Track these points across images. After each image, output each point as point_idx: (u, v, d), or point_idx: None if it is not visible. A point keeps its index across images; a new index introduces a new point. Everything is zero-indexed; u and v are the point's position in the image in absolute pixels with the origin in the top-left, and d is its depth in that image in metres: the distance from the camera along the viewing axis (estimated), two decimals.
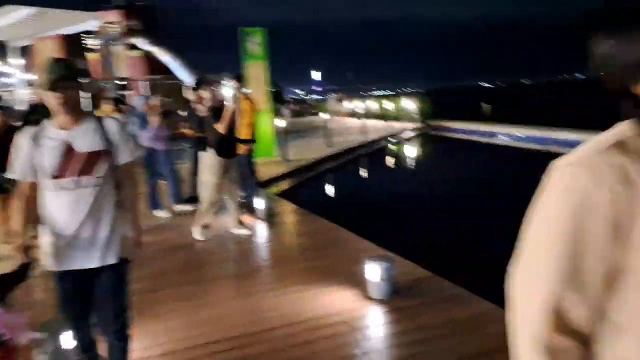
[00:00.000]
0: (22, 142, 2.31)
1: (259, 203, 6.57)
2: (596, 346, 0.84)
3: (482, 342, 3.11)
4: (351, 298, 3.82)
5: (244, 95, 6.73)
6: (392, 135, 18.47)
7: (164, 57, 22.23)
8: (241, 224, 5.91)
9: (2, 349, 1.95)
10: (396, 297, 3.75)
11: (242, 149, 6.28)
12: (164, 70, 22.99)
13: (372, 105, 26.49)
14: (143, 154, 7.09)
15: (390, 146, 17.28)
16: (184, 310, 3.81)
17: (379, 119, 24.32)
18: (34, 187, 2.32)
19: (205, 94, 7.15)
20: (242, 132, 6.36)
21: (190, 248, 5.48)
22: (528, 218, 0.92)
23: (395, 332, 3.38)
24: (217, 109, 5.56)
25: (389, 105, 21.63)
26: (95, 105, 8.14)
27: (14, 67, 24.24)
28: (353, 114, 26.16)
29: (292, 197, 8.98)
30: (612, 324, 0.82)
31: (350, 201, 9.54)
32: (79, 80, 2.33)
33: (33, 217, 2.39)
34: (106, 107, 7.79)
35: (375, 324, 3.49)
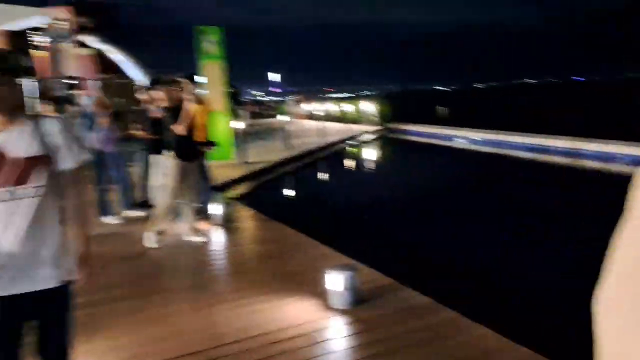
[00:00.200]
0: None
1: (215, 208, 6.32)
2: None
3: (448, 352, 3.01)
4: (312, 309, 3.65)
5: (197, 95, 6.46)
6: (351, 138, 18.46)
7: (116, 55, 21.47)
8: (196, 231, 5.64)
9: None
10: (359, 307, 3.61)
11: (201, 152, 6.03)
12: (117, 69, 22.22)
13: (331, 107, 26.50)
14: (91, 157, 6.71)
15: (350, 149, 17.26)
16: (131, 326, 3.54)
17: (338, 121, 24.32)
18: None
19: (158, 94, 6.85)
20: (195, 135, 6.09)
21: (142, 257, 5.17)
22: (619, 232, 0.72)
23: (358, 344, 3.23)
24: (175, 110, 5.29)
25: (347, 107, 21.64)
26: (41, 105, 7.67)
27: None
28: (312, 116, 26.08)
29: (250, 201, 8.74)
30: None
31: (310, 205, 9.38)
32: (16, 74, 2.01)
33: None
34: (46, 107, 7.31)
35: (337, 337, 3.33)
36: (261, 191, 9.96)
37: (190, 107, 5.15)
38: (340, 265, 3.74)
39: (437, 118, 24.11)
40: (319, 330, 3.35)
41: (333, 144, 16.31)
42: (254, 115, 34.77)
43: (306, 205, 9.40)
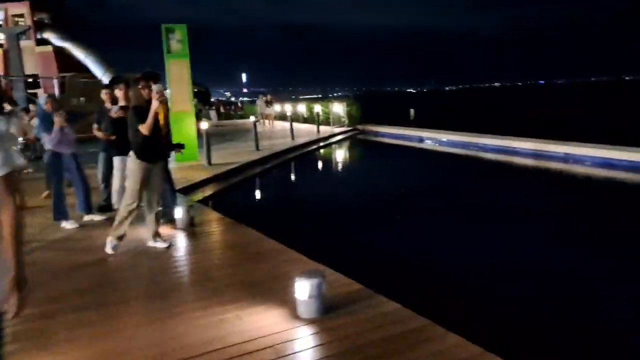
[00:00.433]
0: None
1: (180, 212, 6.06)
2: None
3: None
4: (279, 318, 3.48)
5: (160, 94, 6.20)
6: (321, 139, 18.33)
7: (78, 53, 20.76)
8: (159, 236, 5.39)
9: None
10: (328, 315, 3.45)
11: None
12: (79, 67, 21.43)
13: (302, 108, 26.33)
14: (25, 162, 6.35)
15: (320, 150, 17.13)
16: (82, 340, 3.29)
17: (309, 122, 24.17)
18: None
19: (119, 93, 6.55)
20: (159, 135, 5.83)
21: (99, 264, 4.88)
22: None
23: (327, 355, 3.06)
24: (137, 109, 5.03)
25: (318, 108, 21.52)
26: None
27: None
28: (282, 117, 25.84)
29: (217, 204, 8.50)
30: None
31: (278, 208, 9.19)
32: None
33: None
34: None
35: (305, 347, 3.16)
36: (228, 194, 9.71)
37: (154, 106, 4.90)
38: (308, 272, 3.57)
39: (408, 119, 24.21)
40: (286, 342, 3.17)
41: (303, 145, 16.15)
42: (223, 116, 34.34)
43: (274, 209, 9.20)
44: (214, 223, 6.41)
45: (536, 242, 6.53)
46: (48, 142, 6.28)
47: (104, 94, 6.88)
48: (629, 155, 11.19)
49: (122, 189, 5.63)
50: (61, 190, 6.36)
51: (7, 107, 7.30)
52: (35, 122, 8.04)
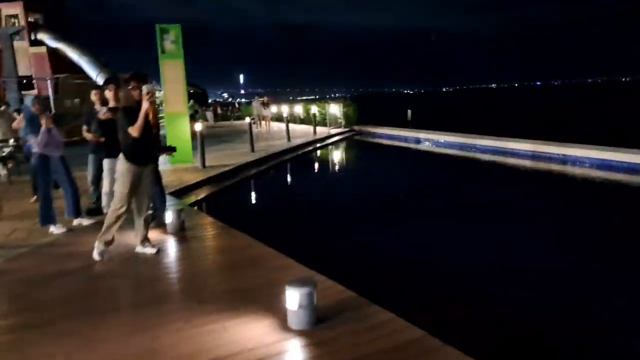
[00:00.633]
0: None
1: (170, 216, 5.91)
2: None
3: None
4: (269, 329, 3.32)
5: (151, 95, 6.05)
6: (317, 140, 18.19)
7: (72, 54, 20.56)
8: (148, 240, 5.23)
9: None
10: (320, 326, 3.30)
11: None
12: (73, 68, 21.23)
13: (299, 109, 26.18)
14: (35, 161, 6.21)
15: (316, 151, 16.98)
16: (63, 353, 3.13)
17: (306, 123, 24.02)
18: None
19: (109, 94, 6.40)
20: (149, 137, 5.67)
21: (84, 271, 4.72)
22: None
23: None
24: (127, 110, 4.87)
25: (315, 109, 21.38)
26: None
27: None
28: (279, 118, 25.69)
29: (210, 207, 8.35)
30: None
31: (272, 211, 9.04)
32: None
33: None
34: None
35: None
36: (222, 196, 9.55)
37: (145, 107, 4.75)
38: (299, 280, 3.42)
39: (406, 120, 24.08)
40: (275, 355, 3.02)
41: (299, 147, 16.01)
42: (220, 117, 34.16)
43: (268, 211, 9.05)
44: (205, 227, 6.25)
45: (534, 243, 6.41)
46: (35, 144, 6.12)
47: (93, 95, 6.72)
48: (628, 157, 11.08)
49: (112, 192, 5.47)
50: (49, 194, 6.20)
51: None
52: (23, 123, 7.87)
